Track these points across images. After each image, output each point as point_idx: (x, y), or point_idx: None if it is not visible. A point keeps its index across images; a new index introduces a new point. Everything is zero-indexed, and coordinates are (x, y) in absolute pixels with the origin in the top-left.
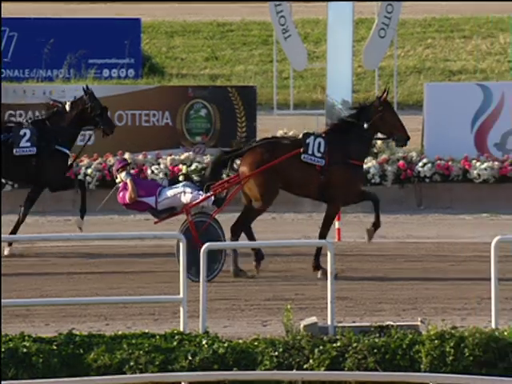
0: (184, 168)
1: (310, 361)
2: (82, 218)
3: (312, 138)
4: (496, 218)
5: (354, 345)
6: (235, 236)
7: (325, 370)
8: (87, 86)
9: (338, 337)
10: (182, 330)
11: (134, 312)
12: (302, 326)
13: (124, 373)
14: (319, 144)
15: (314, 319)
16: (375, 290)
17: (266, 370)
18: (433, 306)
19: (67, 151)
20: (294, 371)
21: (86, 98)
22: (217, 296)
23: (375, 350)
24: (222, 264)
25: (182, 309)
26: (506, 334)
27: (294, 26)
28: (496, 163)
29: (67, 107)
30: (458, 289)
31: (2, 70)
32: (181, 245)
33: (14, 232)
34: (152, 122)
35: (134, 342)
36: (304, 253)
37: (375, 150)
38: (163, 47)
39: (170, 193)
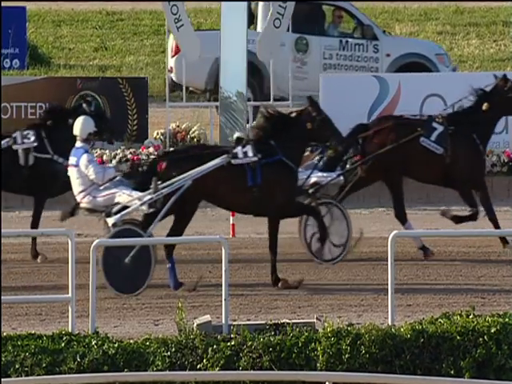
0: None
1: (204, 360)
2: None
3: None
4: (392, 212)
5: (249, 343)
6: None
7: (219, 370)
8: None
9: (232, 335)
10: (70, 330)
11: (19, 312)
12: (195, 324)
13: (9, 376)
14: None
15: (207, 317)
16: (270, 287)
17: (157, 370)
18: (329, 303)
19: None
20: (187, 371)
21: None
22: (107, 295)
23: (270, 349)
24: None
25: (70, 308)
26: (402, 330)
27: (187, 15)
28: None
29: None
30: (355, 285)
31: None
32: (69, 242)
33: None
34: (39, 115)
35: (19, 343)
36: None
37: None
38: (50, 37)
39: None
